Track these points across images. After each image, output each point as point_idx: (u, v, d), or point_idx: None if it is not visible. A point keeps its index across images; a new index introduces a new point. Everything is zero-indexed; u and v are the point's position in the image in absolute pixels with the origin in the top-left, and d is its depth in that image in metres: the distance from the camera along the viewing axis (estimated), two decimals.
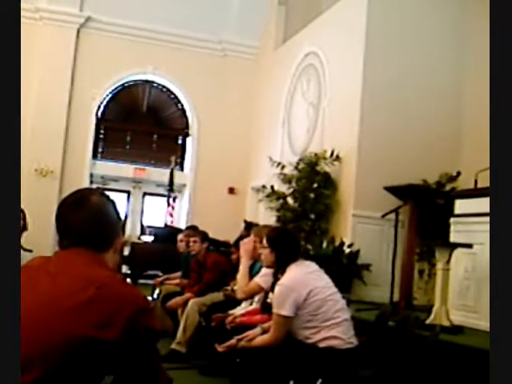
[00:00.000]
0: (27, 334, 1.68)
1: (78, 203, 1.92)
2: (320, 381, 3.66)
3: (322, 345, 3.70)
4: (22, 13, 10.89)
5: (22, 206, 7.02)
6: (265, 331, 4.06)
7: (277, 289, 3.86)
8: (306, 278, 3.86)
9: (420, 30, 8.59)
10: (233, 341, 4.16)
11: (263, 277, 4.63)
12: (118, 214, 2.00)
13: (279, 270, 4.05)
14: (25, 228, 7.01)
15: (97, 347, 1.68)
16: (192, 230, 7.62)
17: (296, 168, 8.84)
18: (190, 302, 6.32)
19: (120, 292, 1.79)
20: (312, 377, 3.69)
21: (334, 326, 3.73)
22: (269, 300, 4.56)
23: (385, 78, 8.32)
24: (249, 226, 6.87)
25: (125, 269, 11.04)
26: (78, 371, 1.68)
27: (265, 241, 4.17)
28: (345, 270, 7.47)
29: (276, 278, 4.06)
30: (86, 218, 1.89)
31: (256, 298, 5.33)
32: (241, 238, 6.74)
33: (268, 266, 4.29)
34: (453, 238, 5.55)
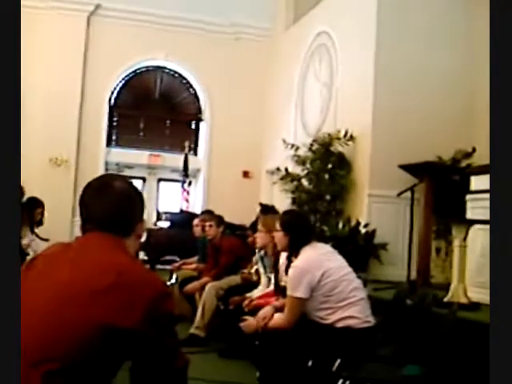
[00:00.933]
0: (45, 323, 1.69)
1: (101, 188, 1.94)
2: (339, 361, 3.67)
3: (339, 325, 3.70)
4: (33, 3, 10.91)
5: (37, 195, 7.09)
6: (277, 310, 4.07)
7: (291, 271, 3.86)
8: (319, 259, 3.86)
9: (432, 5, 8.48)
10: (251, 321, 4.17)
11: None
12: (141, 199, 2.02)
13: (293, 252, 4.05)
14: (41, 223, 7.07)
15: (118, 333, 1.68)
16: (207, 214, 7.63)
17: (310, 149, 8.79)
18: (208, 286, 6.34)
19: (140, 278, 1.80)
20: (331, 357, 3.70)
21: (349, 305, 3.73)
22: (282, 283, 4.56)
23: (397, 56, 8.23)
24: (264, 209, 6.83)
25: (142, 255, 11.11)
26: (98, 358, 1.69)
27: (278, 225, 4.17)
28: (361, 249, 7.45)
29: (290, 260, 4.06)
30: (109, 202, 1.91)
31: (273, 280, 5.35)
32: (257, 221, 6.74)
33: (282, 250, 4.29)
34: (469, 215, 5.49)
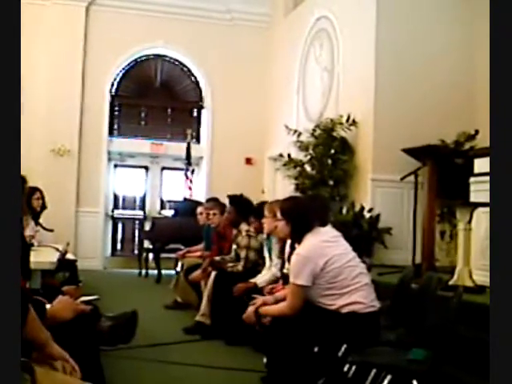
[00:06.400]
0: None
1: None
2: (345, 346, 3.68)
3: (344, 310, 3.70)
4: None
5: (40, 186, 7.07)
6: (277, 300, 4.08)
7: (293, 258, 3.85)
8: (322, 246, 3.83)
9: None
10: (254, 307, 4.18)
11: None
12: None
13: (296, 240, 4.04)
14: (44, 207, 7.06)
15: None
16: (212, 202, 7.64)
17: (312, 135, 8.76)
18: (213, 274, 6.35)
19: None
20: (336, 342, 3.71)
21: (353, 291, 3.73)
22: (285, 270, 4.57)
23: (398, 39, 8.18)
24: (233, 202, 6.79)
25: (146, 244, 11.14)
26: None
27: (278, 213, 4.16)
28: (366, 234, 7.45)
29: (293, 248, 4.05)
30: None
31: (275, 262, 5.39)
32: (229, 214, 6.77)
33: (285, 238, 4.28)
34: (473, 198, 5.48)
